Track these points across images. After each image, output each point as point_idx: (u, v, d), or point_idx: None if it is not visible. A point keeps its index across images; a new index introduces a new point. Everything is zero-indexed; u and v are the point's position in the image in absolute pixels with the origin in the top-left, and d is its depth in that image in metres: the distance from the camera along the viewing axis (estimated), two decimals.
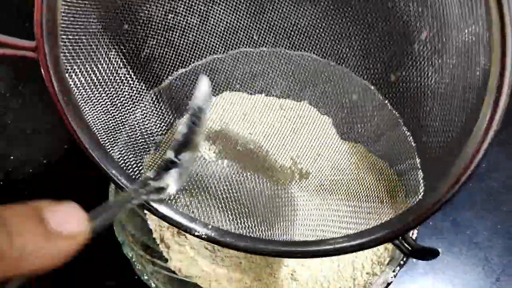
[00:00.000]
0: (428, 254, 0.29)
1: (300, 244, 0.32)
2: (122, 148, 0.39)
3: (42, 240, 0.18)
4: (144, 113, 0.43)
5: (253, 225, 0.38)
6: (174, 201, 0.38)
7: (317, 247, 0.30)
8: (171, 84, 0.44)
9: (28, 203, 0.19)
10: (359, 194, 0.42)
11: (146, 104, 0.43)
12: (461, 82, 0.29)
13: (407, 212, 0.30)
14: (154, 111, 0.44)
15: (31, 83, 0.56)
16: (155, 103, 0.44)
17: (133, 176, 0.37)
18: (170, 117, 0.46)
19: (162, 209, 0.32)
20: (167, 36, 0.41)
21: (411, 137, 0.40)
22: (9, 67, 0.57)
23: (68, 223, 0.19)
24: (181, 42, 0.42)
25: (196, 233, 0.32)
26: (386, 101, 0.42)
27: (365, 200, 0.42)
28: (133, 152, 0.41)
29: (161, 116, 0.45)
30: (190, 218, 0.33)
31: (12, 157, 0.51)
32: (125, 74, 0.39)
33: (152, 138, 0.44)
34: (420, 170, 0.38)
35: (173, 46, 0.42)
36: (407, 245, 0.29)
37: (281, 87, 0.47)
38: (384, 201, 0.41)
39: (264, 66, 0.45)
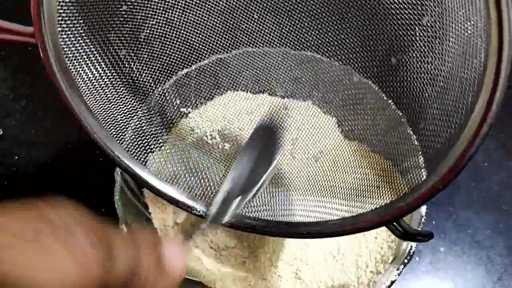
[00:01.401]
0: (422, 236, 0.30)
1: (295, 225, 0.33)
2: (126, 148, 0.39)
3: (156, 272, 0.20)
4: (148, 113, 0.43)
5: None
6: (175, 180, 0.39)
7: (313, 227, 0.32)
8: (174, 83, 0.44)
9: (147, 232, 0.21)
10: (362, 194, 0.42)
11: (150, 104, 0.43)
12: (460, 72, 0.29)
13: (400, 199, 0.31)
14: (158, 111, 0.44)
15: (34, 83, 0.56)
16: (160, 102, 0.44)
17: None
18: (174, 116, 0.46)
19: (166, 189, 0.34)
20: (166, 17, 0.41)
21: (414, 136, 0.40)
22: (12, 69, 0.57)
23: (176, 263, 0.21)
24: (185, 36, 0.42)
25: (195, 212, 0.33)
26: (390, 101, 0.42)
27: (369, 200, 0.42)
28: (137, 152, 0.41)
29: (165, 116, 0.45)
30: (191, 197, 0.34)
31: (16, 157, 0.51)
32: (125, 56, 0.39)
33: (155, 138, 0.44)
34: (424, 169, 0.38)
35: (172, 31, 0.42)
36: (400, 229, 0.30)
37: (285, 87, 0.47)
38: (387, 200, 0.41)
39: (268, 65, 0.45)
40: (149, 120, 0.43)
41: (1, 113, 0.54)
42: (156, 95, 0.43)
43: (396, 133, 0.42)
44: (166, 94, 0.44)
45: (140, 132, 0.41)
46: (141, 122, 0.41)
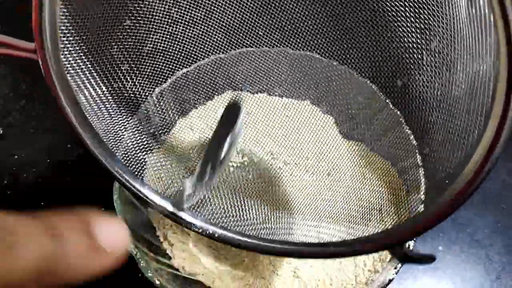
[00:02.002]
0: (424, 260, 0.30)
1: (292, 244, 0.32)
2: (125, 148, 0.39)
3: (89, 254, 0.18)
4: (147, 112, 0.43)
5: (253, 220, 0.39)
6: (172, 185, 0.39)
7: (313, 248, 0.31)
8: (173, 83, 0.44)
9: (76, 211, 0.19)
10: (361, 193, 0.43)
11: (149, 104, 0.43)
12: (466, 103, 0.28)
13: (403, 225, 0.30)
14: (157, 111, 0.44)
15: (34, 83, 0.56)
16: (159, 102, 0.44)
17: (137, 175, 0.37)
18: (173, 116, 0.46)
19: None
20: (170, 32, 0.41)
21: (412, 136, 0.40)
22: (12, 68, 0.57)
23: (114, 240, 0.19)
24: (183, 39, 0.43)
25: (196, 229, 0.33)
26: (388, 101, 0.42)
27: (367, 199, 0.42)
28: (136, 152, 0.41)
29: (164, 116, 0.45)
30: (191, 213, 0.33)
31: (16, 157, 0.51)
32: (127, 70, 0.39)
33: (155, 138, 0.44)
34: (421, 168, 0.39)
35: (175, 44, 0.43)
36: (402, 252, 0.30)
37: (283, 87, 0.47)
38: (386, 199, 0.41)
39: (266, 65, 0.45)
40: (148, 121, 0.43)
41: (1, 113, 0.54)
42: (154, 95, 0.43)
43: (394, 133, 0.42)
44: (165, 94, 0.44)
45: (138, 134, 0.41)
46: (139, 124, 0.41)
